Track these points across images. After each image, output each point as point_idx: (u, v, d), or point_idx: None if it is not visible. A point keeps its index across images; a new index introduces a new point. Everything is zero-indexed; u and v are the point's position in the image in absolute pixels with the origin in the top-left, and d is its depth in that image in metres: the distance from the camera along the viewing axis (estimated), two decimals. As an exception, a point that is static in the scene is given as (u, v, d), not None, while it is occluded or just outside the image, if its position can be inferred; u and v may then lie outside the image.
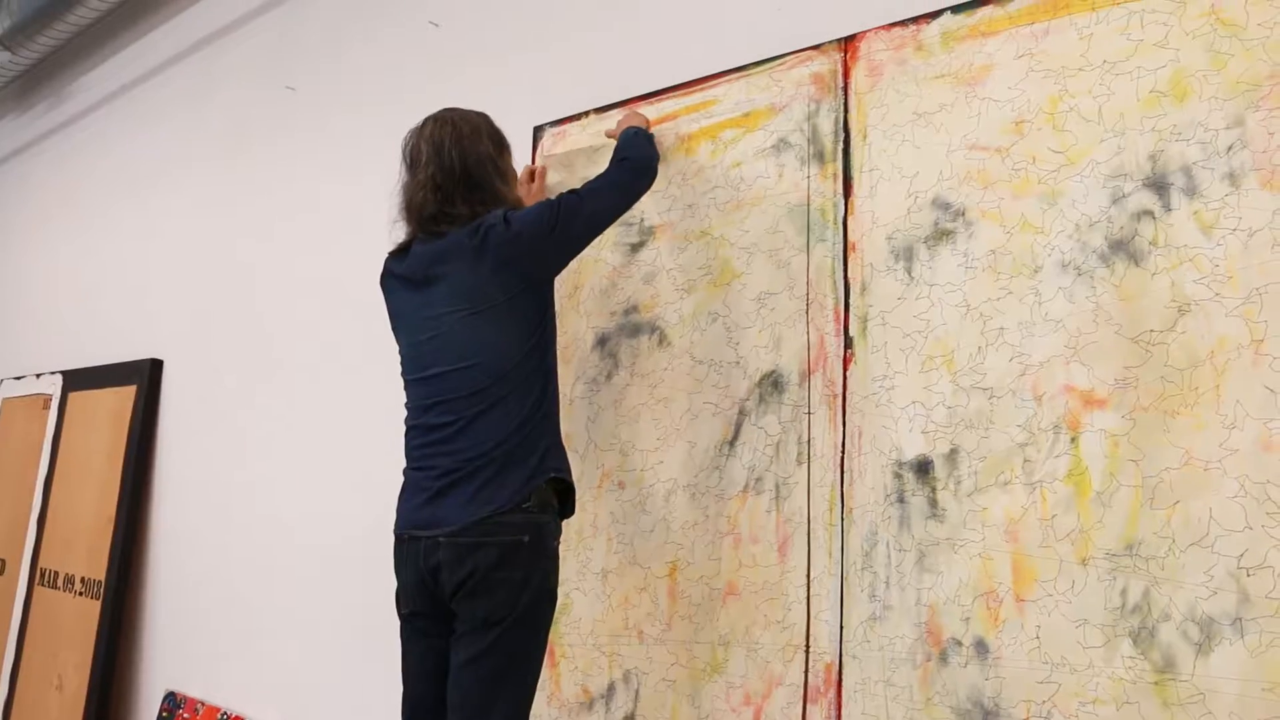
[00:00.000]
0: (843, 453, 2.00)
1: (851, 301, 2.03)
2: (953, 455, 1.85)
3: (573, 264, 2.49)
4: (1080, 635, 1.66)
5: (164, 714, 3.67)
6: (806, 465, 2.06)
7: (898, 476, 1.91)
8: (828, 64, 2.14)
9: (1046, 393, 1.75)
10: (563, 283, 2.48)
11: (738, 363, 2.20)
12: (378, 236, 3.20)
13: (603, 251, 2.49)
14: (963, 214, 1.90)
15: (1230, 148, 1.63)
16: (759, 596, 2.09)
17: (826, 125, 2.12)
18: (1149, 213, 1.69)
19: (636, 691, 2.26)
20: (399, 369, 2.21)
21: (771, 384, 2.14)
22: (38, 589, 4.34)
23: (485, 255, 2.06)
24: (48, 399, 4.70)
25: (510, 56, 2.90)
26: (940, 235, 1.93)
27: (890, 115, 2.03)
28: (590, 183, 2.20)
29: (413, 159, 2.21)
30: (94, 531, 4.08)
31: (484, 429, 2.02)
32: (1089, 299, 1.73)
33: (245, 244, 3.86)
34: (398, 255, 2.24)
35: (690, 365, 2.28)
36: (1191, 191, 1.65)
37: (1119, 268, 1.71)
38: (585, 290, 2.50)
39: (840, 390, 2.02)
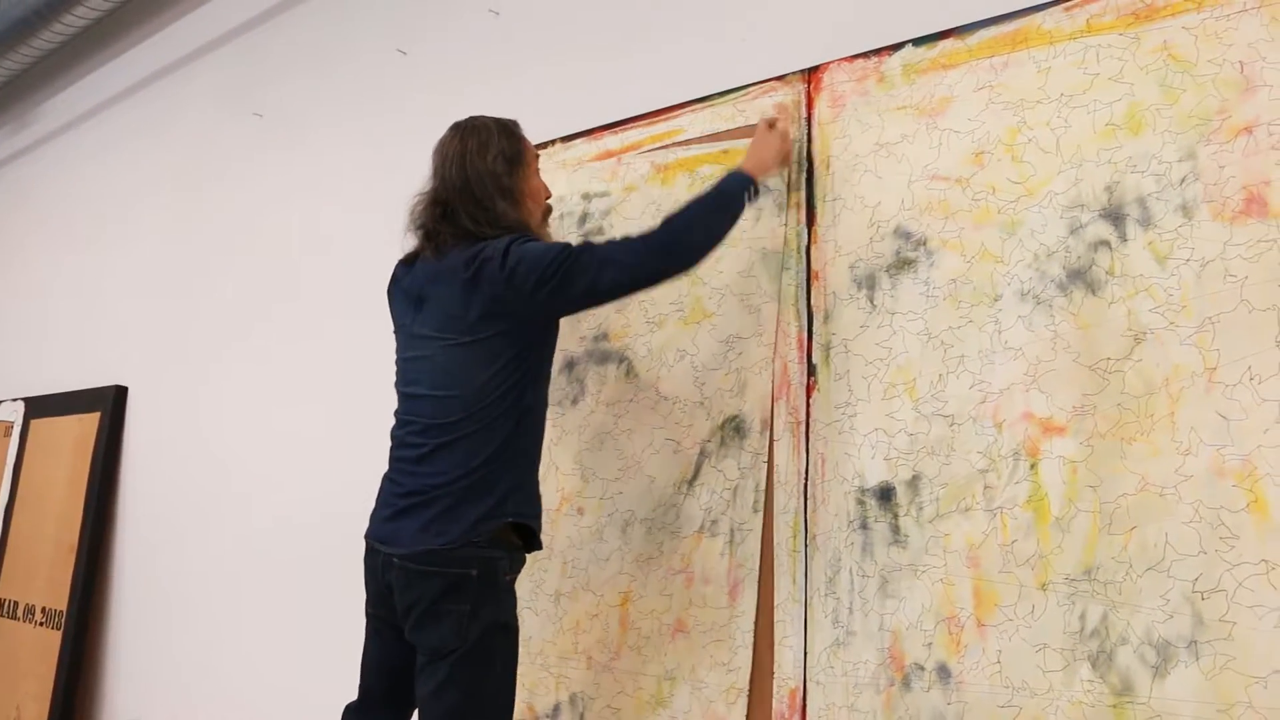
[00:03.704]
0: (806, 479, 2.02)
1: (815, 329, 2.05)
2: (914, 482, 1.87)
3: None
4: (1040, 659, 1.68)
5: (125, 745, 3.62)
6: (762, 513, 2.07)
7: (860, 503, 1.93)
8: (791, 94, 2.17)
9: (1006, 420, 1.78)
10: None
11: (702, 403, 2.21)
12: (344, 262, 3.21)
13: None
14: (924, 243, 1.93)
15: (1183, 180, 1.66)
16: (707, 637, 2.10)
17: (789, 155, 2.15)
18: (1105, 243, 1.72)
19: (581, 715, 2.26)
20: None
21: (733, 429, 2.15)
22: (-3, 619, 4.29)
23: (475, 290, 2.00)
24: (9, 426, 4.65)
25: (475, 86, 2.92)
26: (902, 264, 1.95)
27: (853, 145, 2.06)
28: (617, 244, 2.01)
29: (431, 168, 2.18)
30: (55, 561, 4.03)
31: (446, 459, 2.00)
32: (1048, 327, 1.76)
33: (210, 270, 3.85)
34: (407, 264, 2.21)
35: (655, 400, 2.29)
36: (1146, 222, 1.69)
37: (1077, 297, 1.74)
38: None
39: (803, 417, 2.04)
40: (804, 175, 2.12)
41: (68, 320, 4.69)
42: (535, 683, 2.36)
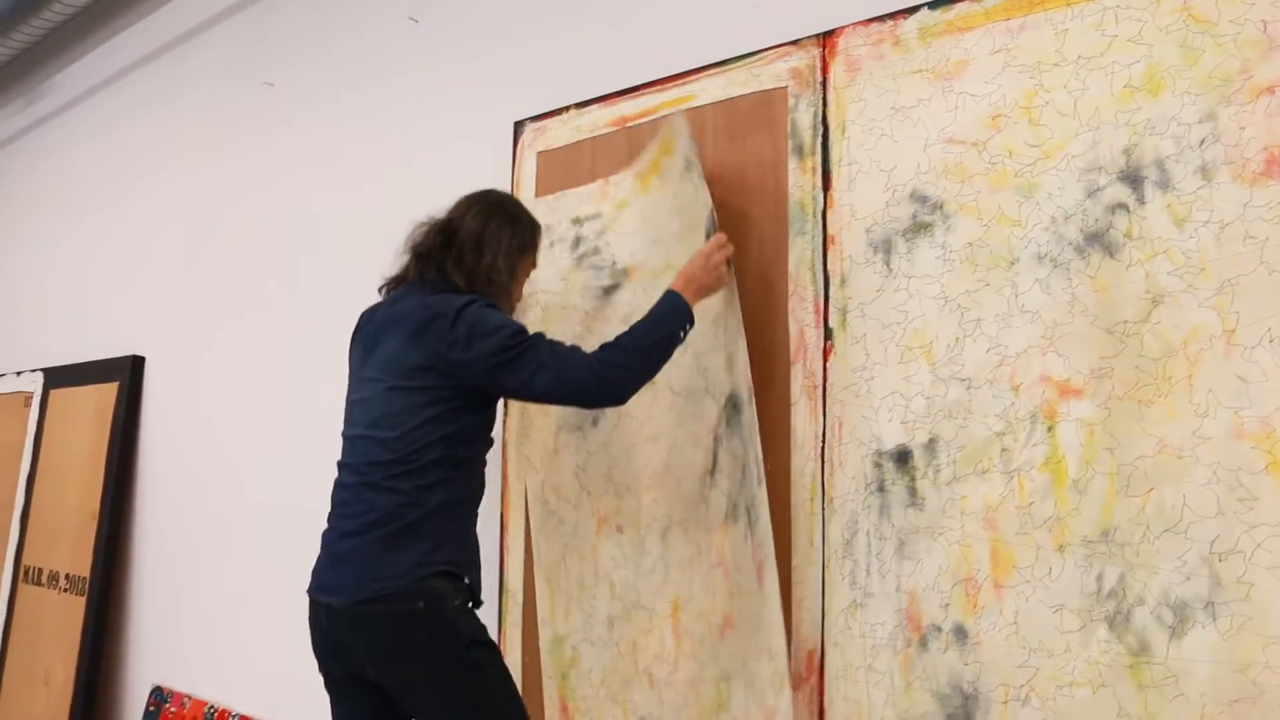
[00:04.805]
0: (823, 443, 2.03)
1: (831, 293, 2.06)
2: (931, 445, 1.87)
3: (537, 313, 2.50)
4: (1057, 620, 1.69)
5: (151, 708, 3.68)
6: (765, 485, 2.05)
7: (877, 466, 1.94)
8: (806, 59, 2.16)
9: (1023, 383, 1.78)
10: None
11: (706, 389, 2.21)
12: (357, 231, 3.22)
13: (570, 297, 2.49)
14: (940, 207, 1.93)
15: (1203, 141, 1.65)
16: (749, 625, 2.08)
17: (805, 120, 2.14)
18: (1123, 205, 1.72)
19: None
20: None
21: (732, 406, 2.14)
22: (22, 586, 4.34)
23: (420, 338, 2.04)
24: (29, 396, 4.69)
25: (490, 51, 2.91)
26: (918, 228, 1.95)
27: (868, 109, 2.05)
28: (567, 353, 2.03)
29: (451, 206, 2.23)
30: (78, 528, 4.08)
31: (379, 499, 2.01)
32: (1065, 290, 1.76)
33: (224, 239, 3.86)
34: (370, 314, 2.26)
35: (670, 399, 2.28)
36: (1165, 185, 1.68)
37: (1094, 260, 1.74)
38: (557, 337, 2.42)
39: (820, 381, 2.05)
40: (820, 140, 2.12)
41: (83, 291, 4.72)
42: (602, 715, 2.32)
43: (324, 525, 2.13)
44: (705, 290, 2.11)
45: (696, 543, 2.20)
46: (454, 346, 2.00)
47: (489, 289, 2.13)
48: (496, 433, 2.53)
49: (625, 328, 2.17)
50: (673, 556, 2.24)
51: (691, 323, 2.07)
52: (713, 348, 2.19)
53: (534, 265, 2.30)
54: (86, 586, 3.93)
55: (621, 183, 2.44)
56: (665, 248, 2.32)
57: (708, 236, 2.15)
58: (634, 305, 2.36)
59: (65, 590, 4.05)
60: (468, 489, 2.11)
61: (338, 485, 2.14)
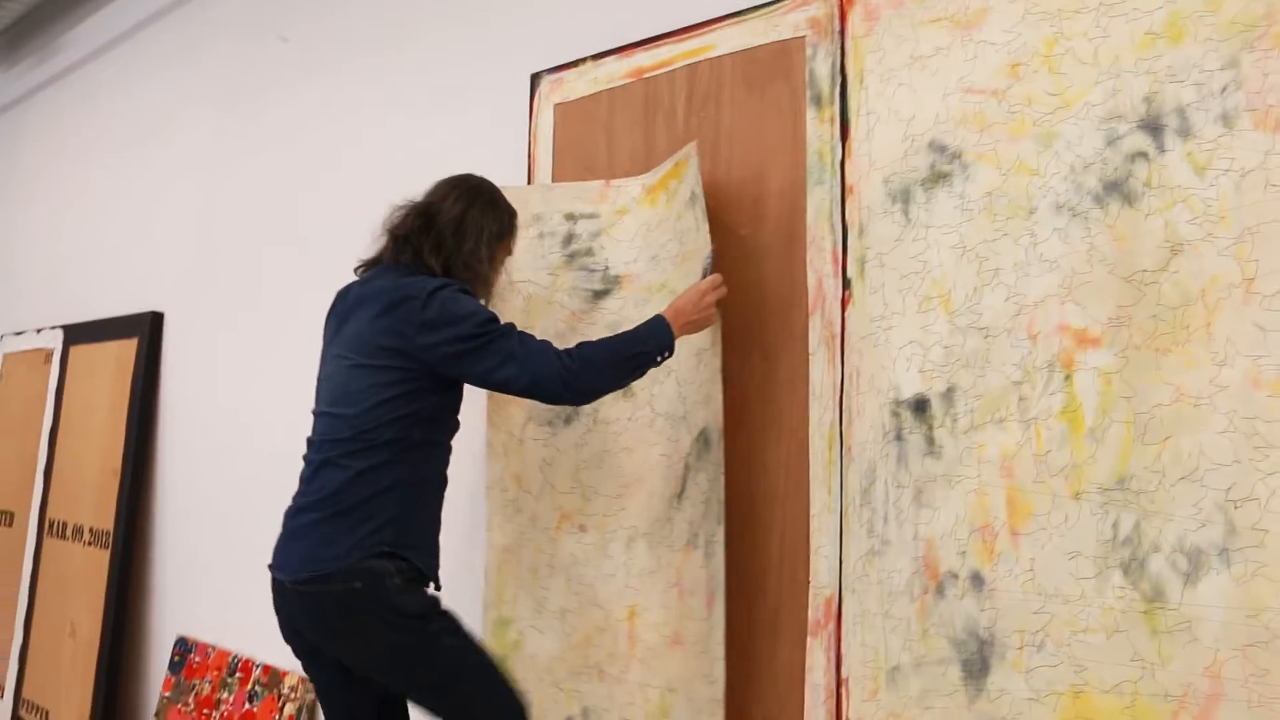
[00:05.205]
0: (841, 392, 2.04)
1: (849, 243, 2.06)
2: (949, 394, 1.88)
3: (519, 303, 2.48)
4: (1073, 567, 1.71)
5: (175, 659, 3.74)
6: (724, 525, 2.10)
7: (895, 415, 1.95)
8: (824, 8, 2.15)
9: (1041, 332, 1.78)
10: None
11: (684, 417, 2.23)
12: (376, 186, 3.22)
13: (557, 294, 2.49)
14: (959, 156, 1.92)
15: (1224, 89, 1.64)
16: (696, 648, 2.13)
17: (823, 69, 2.13)
18: (1143, 154, 1.71)
19: None
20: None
21: (703, 441, 2.17)
22: (47, 540, 4.40)
23: (386, 317, 2.05)
24: (49, 353, 4.72)
25: (508, 3, 2.89)
26: (937, 178, 1.95)
27: (887, 59, 2.04)
28: (537, 346, 2.04)
29: (430, 189, 2.23)
30: (100, 483, 4.13)
31: (329, 476, 2.04)
32: (1083, 239, 1.75)
33: (242, 195, 3.87)
34: (344, 292, 2.27)
35: (651, 416, 2.30)
36: (1185, 133, 1.67)
37: (1113, 208, 1.73)
38: (538, 331, 2.40)
39: (839, 331, 2.06)
40: (838, 90, 2.11)
41: (102, 248, 4.74)
42: (545, 699, 2.36)
43: None
44: (692, 326, 2.12)
45: (659, 558, 2.24)
46: (422, 329, 2.00)
47: (467, 275, 2.14)
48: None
49: (609, 334, 2.20)
50: (635, 565, 2.28)
51: (671, 351, 2.09)
52: (693, 379, 2.22)
53: (510, 253, 2.31)
54: (110, 540, 3.99)
55: (624, 188, 2.43)
56: (663, 267, 2.33)
57: (704, 275, 2.16)
58: (622, 315, 2.37)
59: (90, 544, 4.10)
60: (426, 471, 2.11)
61: (304, 461, 2.16)
